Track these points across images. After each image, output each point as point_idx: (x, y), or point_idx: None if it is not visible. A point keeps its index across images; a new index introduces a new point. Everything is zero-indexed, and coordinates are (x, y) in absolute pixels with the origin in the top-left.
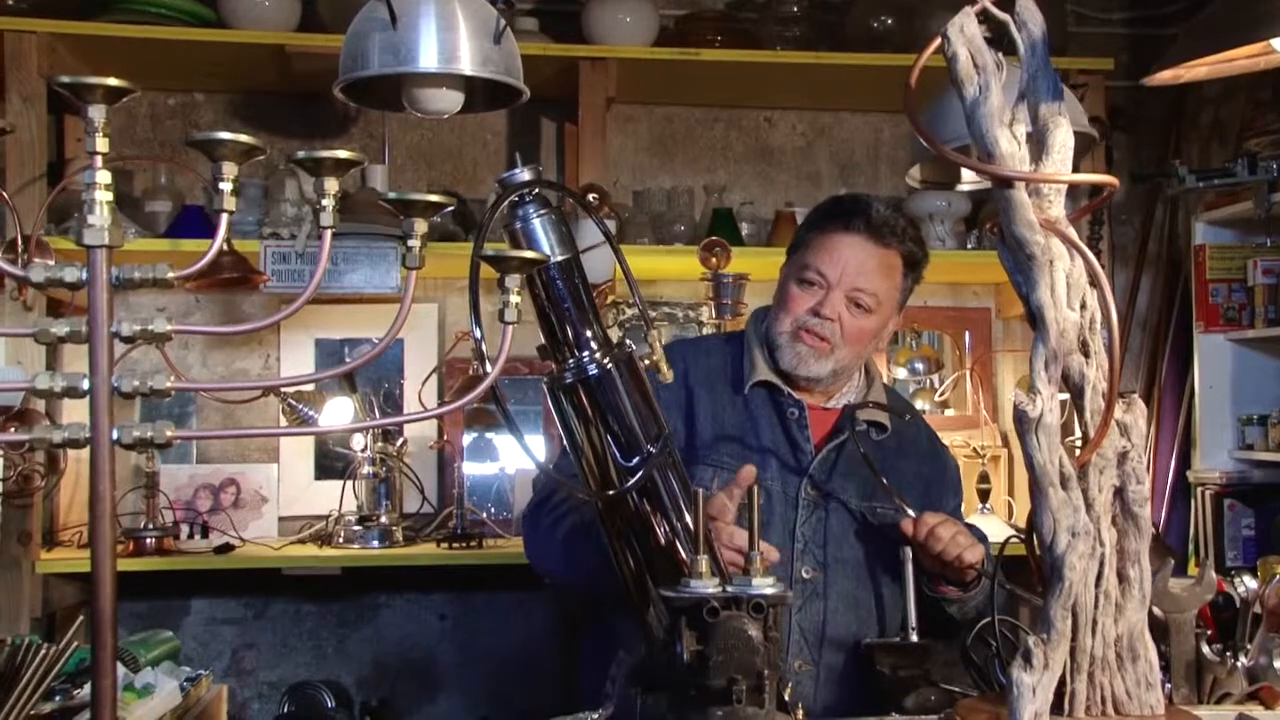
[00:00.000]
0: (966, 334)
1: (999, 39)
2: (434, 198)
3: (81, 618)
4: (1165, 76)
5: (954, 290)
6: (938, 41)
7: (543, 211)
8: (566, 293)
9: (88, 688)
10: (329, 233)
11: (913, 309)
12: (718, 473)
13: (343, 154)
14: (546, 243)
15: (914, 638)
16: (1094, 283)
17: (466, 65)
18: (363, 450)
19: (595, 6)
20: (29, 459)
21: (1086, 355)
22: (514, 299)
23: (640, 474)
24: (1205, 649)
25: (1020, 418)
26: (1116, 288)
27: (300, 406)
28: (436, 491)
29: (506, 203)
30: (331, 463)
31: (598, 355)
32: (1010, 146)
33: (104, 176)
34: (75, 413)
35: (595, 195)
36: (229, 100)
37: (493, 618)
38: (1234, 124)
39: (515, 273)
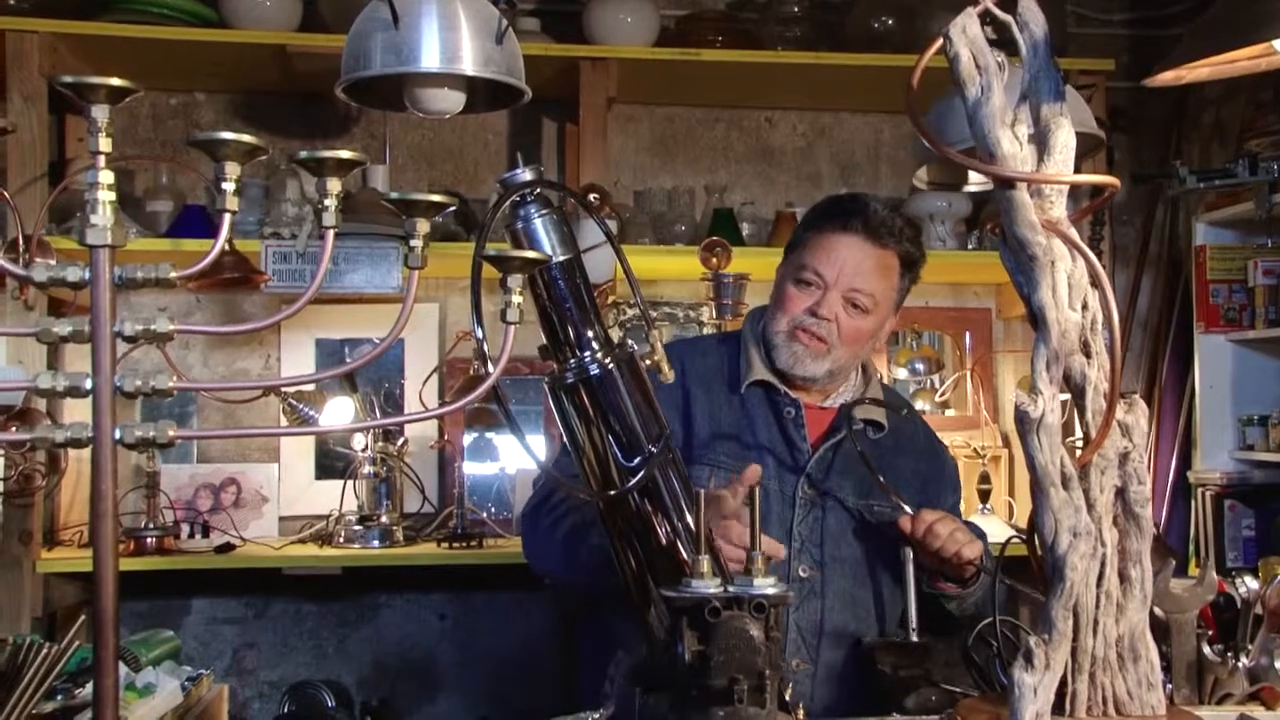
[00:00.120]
0: (967, 334)
1: (1001, 40)
2: (436, 198)
3: (83, 617)
4: (1167, 77)
5: (955, 291)
6: (940, 42)
7: (544, 211)
8: (568, 292)
9: (89, 687)
10: (331, 233)
11: (913, 309)
12: (714, 472)
13: (345, 154)
14: (548, 243)
15: (915, 637)
16: (1095, 283)
17: (468, 65)
18: (363, 450)
19: (596, 7)
20: (30, 458)
21: (1088, 356)
22: (516, 299)
23: (641, 474)
24: (1206, 649)
25: (1022, 418)
26: (1117, 288)
27: (301, 406)
28: (437, 491)
29: (508, 203)
30: (332, 462)
31: (599, 355)
32: (1012, 147)
33: (106, 176)
34: (76, 412)
35: (596, 195)
36: (230, 100)
37: (493, 618)
38: (1235, 125)
39: (517, 273)
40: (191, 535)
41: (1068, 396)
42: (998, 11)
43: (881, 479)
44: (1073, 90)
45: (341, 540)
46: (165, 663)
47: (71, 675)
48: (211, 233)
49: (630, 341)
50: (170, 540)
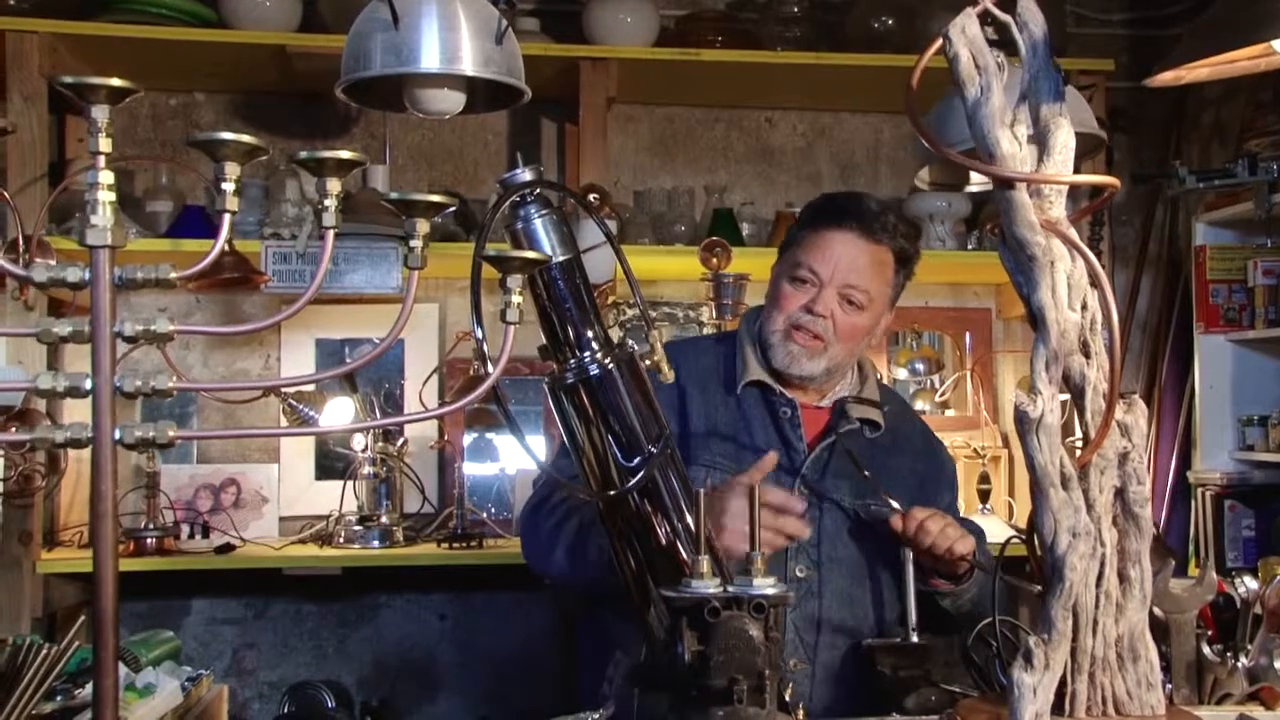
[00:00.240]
0: (967, 334)
1: (1000, 40)
2: (435, 198)
3: (83, 617)
4: (1167, 78)
5: (954, 291)
6: (939, 42)
7: (544, 212)
8: (568, 293)
9: (89, 687)
10: (331, 233)
11: (913, 309)
12: (711, 473)
13: (344, 154)
14: (548, 243)
15: (915, 638)
16: (1095, 283)
17: (468, 66)
18: (363, 450)
19: (596, 7)
20: (30, 459)
21: (1087, 356)
22: (515, 299)
23: (641, 474)
24: (1206, 649)
25: (1021, 418)
26: (1117, 288)
27: (301, 407)
28: (437, 492)
29: (508, 203)
30: (332, 463)
31: (599, 355)
32: (1011, 147)
33: (106, 176)
34: (76, 412)
35: (596, 195)
36: (230, 100)
37: (493, 618)
38: (1234, 125)
39: (517, 273)
40: (191, 536)
41: (1067, 397)
42: (997, 12)
43: (867, 474)
44: (1073, 90)
45: (341, 541)
46: (165, 663)
47: (71, 676)
48: (211, 233)
49: (630, 342)
50: (170, 541)
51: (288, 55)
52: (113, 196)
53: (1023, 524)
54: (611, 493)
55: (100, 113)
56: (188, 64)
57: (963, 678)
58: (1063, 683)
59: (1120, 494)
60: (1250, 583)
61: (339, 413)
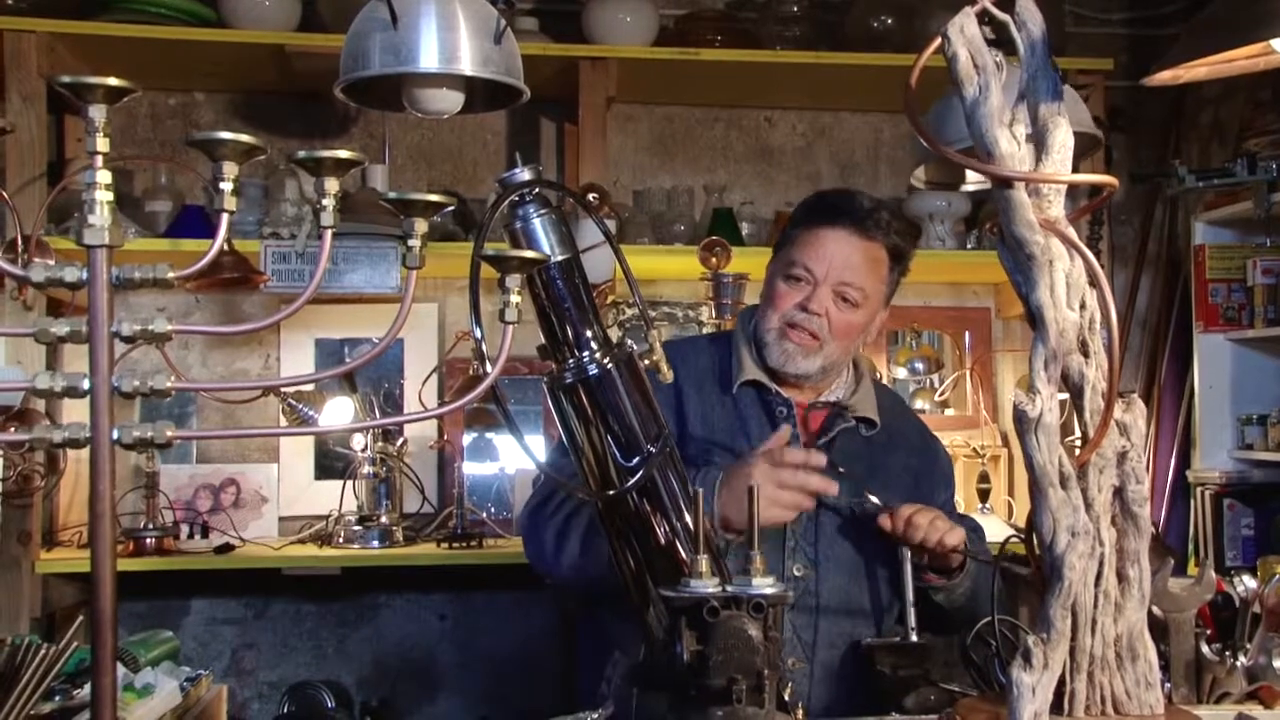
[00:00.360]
0: (966, 334)
1: (999, 39)
2: (434, 197)
3: (81, 618)
4: (1165, 77)
5: (954, 290)
6: (938, 41)
7: (543, 211)
8: (566, 292)
9: (87, 688)
10: (329, 232)
11: (913, 309)
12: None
13: (343, 154)
14: (546, 242)
15: (914, 637)
16: (1093, 283)
17: (467, 65)
18: (363, 450)
19: (595, 6)
20: (29, 459)
21: (1086, 355)
22: (514, 299)
23: (640, 474)
24: (1205, 648)
25: (1020, 417)
26: (1116, 288)
27: (300, 406)
28: (436, 491)
29: (506, 202)
30: (331, 463)
31: (598, 355)
32: (1010, 146)
33: (104, 176)
34: (75, 412)
35: (595, 195)
36: (229, 100)
37: (493, 618)
38: (1233, 124)
39: (515, 272)
40: (191, 536)
41: (1066, 396)
42: (996, 11)
43: (842, 469)
44: (1070, 90)
45: (341, 540)
46: (164, 663)
47: (70, 676)
48: (210, 233)
49: (629, 341)
50: (169, 541)
51: (287, 55)
52: (110, 196)
53: (1022, 523)
54: (611, 492)
55: (97, 112)
56: (187, 63)
57: (962, 677)
58: (1062, 682)
59: (1119, 493)
60: (1249, 582)
61: (338, 412)
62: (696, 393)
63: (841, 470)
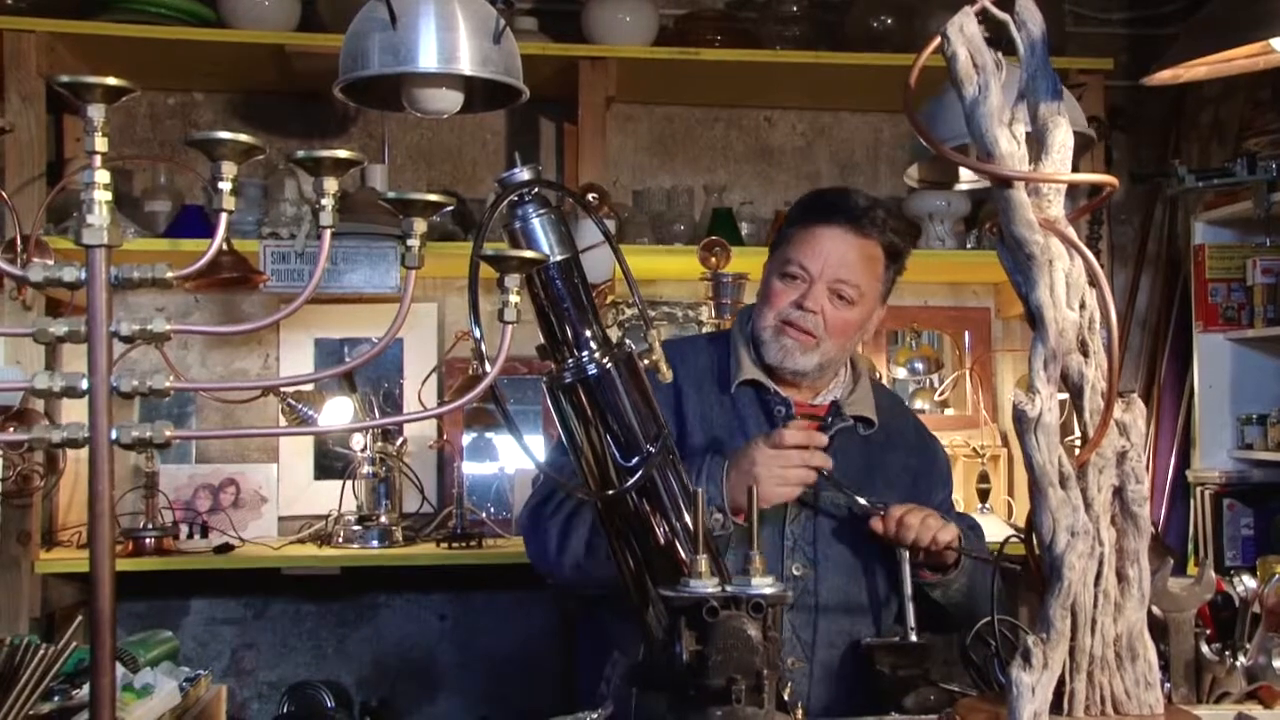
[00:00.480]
0: (966, 334)
1: (998, 39)
2: (433, 197)
3: (80, 618)
4: (1165, 76)
5: (954, 290)
6: (937, 41)
7: (542, 211)
8: (566, 292)
9: (86, 688)
10: (328, 232)
11: (912, 309)
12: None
13: (342, 154)
14: (546, 242)
15: (913, 637)
16: (1093, 282)
17: (466, 65)
18: (362, 450)
19: (595, 6)
20: (28, 459)
21: (1085, 355)
22: (513, 298)
23: (640, 474)
24: (1204, 648)
25: (1019, 417)
26: (1116, 287)
27: (300, 406)
28: (436, 491)
29: (506, 202)
30: (331, 462)
31: (597, 355)
32: (1010, 146)
33: (103, 176)
34: (74, 412)
35: (595, 195)
36: (228, 100)
37: (492, 618)
38: (1233, 124)
39: (514, 272)
40: (190, 536)
41: (1066, 396)
42: (995, 10)
43: (826, 473)
44: (1064, 89)
45: (340, 540)
46: (163, 663)
47: (69, 676)
48: (210, 233)
49: (628, 341)
50: (169, 541)
51: (286, 55)
52: (109, 196)
53: (1022, 523)
54: (610, 492)
55: (96, 112)
56: (186, 63)
57: (961, 677)
58: (1061, 682)
59: (1119, 493)
60: (1249, 581)
61: (338, 412)
62: (695, 392)
63: (827, 475)
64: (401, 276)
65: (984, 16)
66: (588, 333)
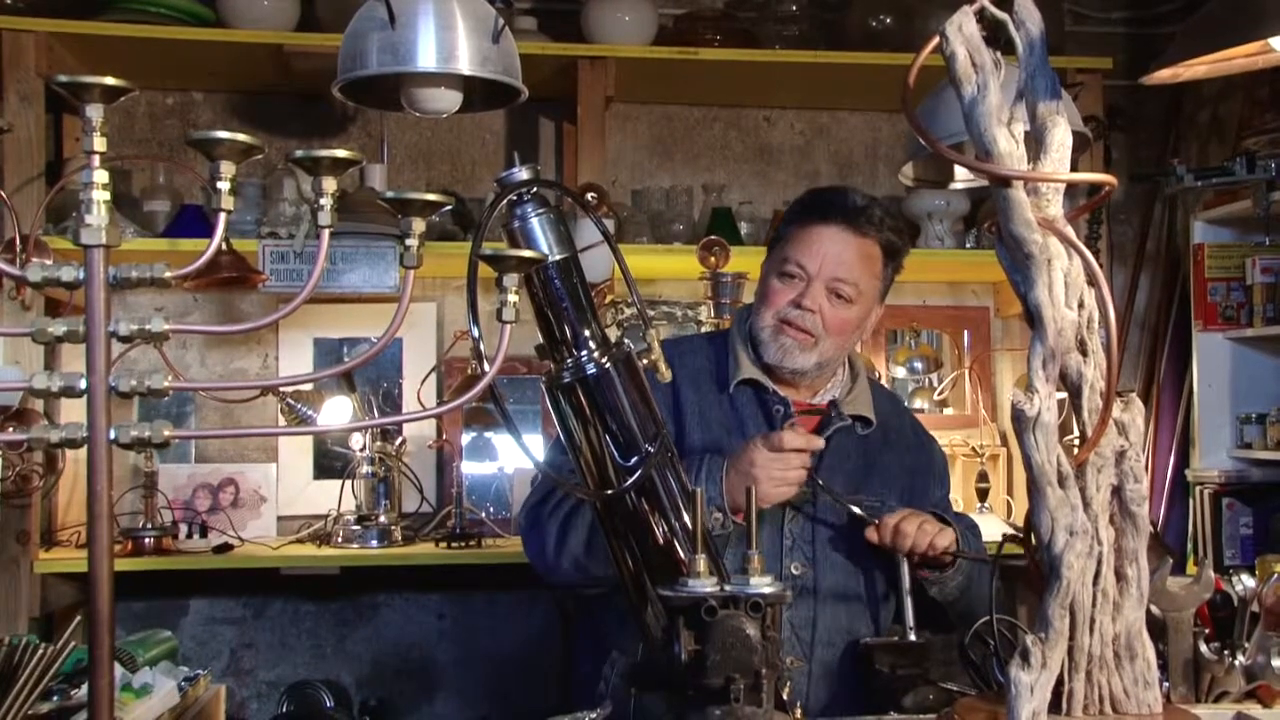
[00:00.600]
0: (965, 333)
1: (997, 38)
2: (432, 197)
3: (79, 617)
4: (1163, 75)
5: (953, 289)
6: (936, 40)
7: (541, 211)
8: (565, 292)
9: (85, 687)
10: (327, 232)
11: (912, 308)
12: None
13: (341, 153)
14: (544, 242)
15: (912, 636)
16: (1092, 282)
17: (465, 65)
18: (361, 450)
19: (594, 6)
20: (27, 459)
21: (1084, 354)
22: (512, 298)
23: (639, 473)
24: (1203, 647)
25: (1018, 416)
26: (1115, 286)
27: (299, 406)
28: (435, 491)
29: (505, 202)
30: (330, 462)
31: (596, 355)
32: (1008, 145)
33: (101, 176)
34: (73, 412)
35: (594, 194)
36: (228, 100)
37: (491, 617)
38: (1232, 123)
39: (513, 272)
40: (189, 535)
41: (1064, 395)
42: (994, 10)
43: (821, 481)
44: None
45: (340, 540)
46: (162, 663)
47: (68, 676)
48: (209, 232)
49: (627, 341)
50: (168, 540)
51: (285, 55)
52: (107, 196)
53: (1020, 522)
54: (609, 492)
55: (95, 111)
56: (185, 63)
57: (960, 676)
58: (1060, 681)
59: (1117, 492)
60: (1248, 581)
61: (337, 412)
62: (693, 392)
63: (821, 484)
64: (400, 276)
65: (982, 16)
66: (586, 332)
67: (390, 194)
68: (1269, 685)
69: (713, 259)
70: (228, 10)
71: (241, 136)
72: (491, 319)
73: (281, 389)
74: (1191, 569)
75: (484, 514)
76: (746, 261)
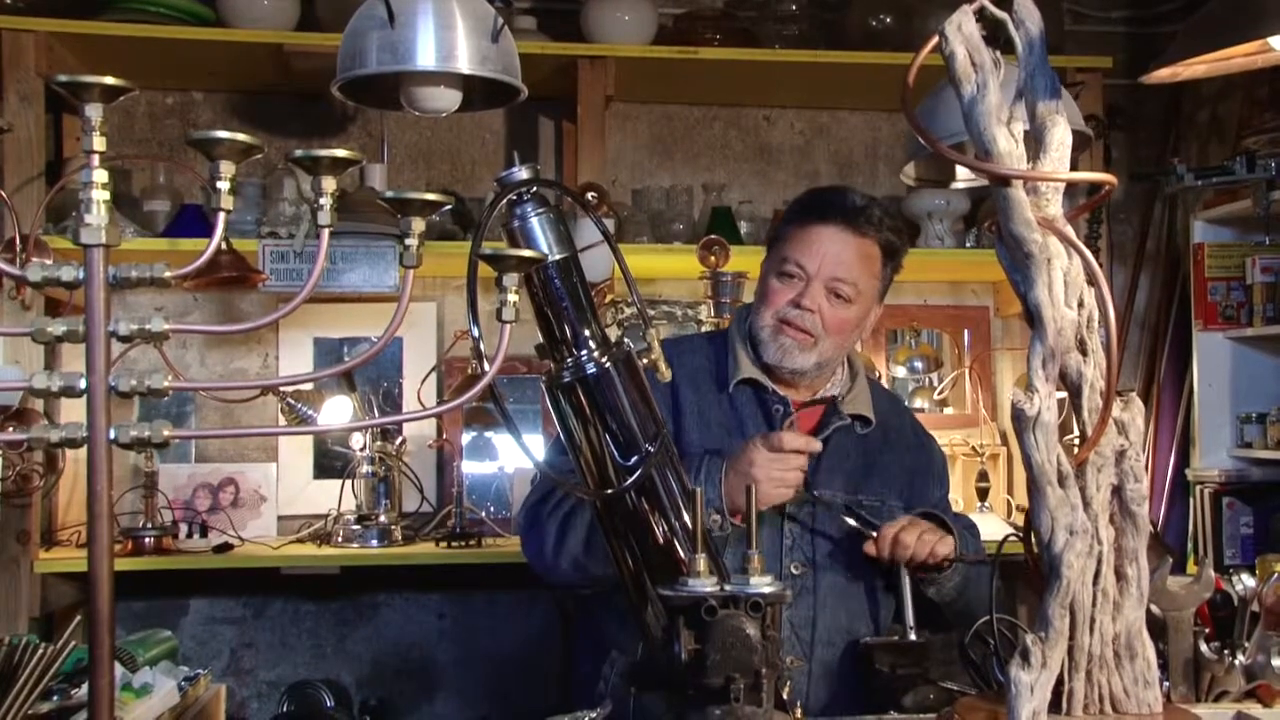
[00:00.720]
0: (965, 332)
1: (996, 37)
2: (431, 196)
3: (79, 617)
4: (1163, 74)
5: (953, 289)
6: (935, 39)
7: (541, 210)
8: (564, 291)
9: (85, 687)
10: (326, 232)
11: (912, 308)
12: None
13: (340, 153)
14: (544, 241)
15: (912, 636)
16: (1092, 281)
17: (464, 64)
18: (361, 449)
19: (594, 5)
20: (27, 458)
21: (1084, 353)
22: (512, 298)
23: (639, 473)
24: (1203, 647)
25: (1018, 416)
26: (1115, 286)
27: (299, 405)
28: (435, 491)
29: (505, 201)
30: (330, 462)
31: (596, 354)
32: (1008, 144)
33: (101, 175)
34: (73, 412)
35: (594, 194)
36: (227, 99)
37: (492, 617)
38: (1232, 122)
39: (513, 271)
40: (190, 535)
41: (1064, 394)
42: (993, 9)
43: (817, 492)
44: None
45: (340, 540)
46: (162, 663)
47: (68, 675)
48: (209, 232)
49: (627, 340)
50: (168, 540)
51: (285, 54)
52: (107, 195)
53: (1021, 522)
54: (609, 491)
55: (94, 111)
56: (185, 63)
57: (960, 676)
58: (1060, 680)
59: (1117, 491)
60: (1248, 580)
61: (337, 411)
62: (693, 391)
63: (816, 494)
64: (400, 276)
65: (982, 15)
66: (586, 332)
67: (390, 194)
68: (1269, 685)
69: (713, 258)
70: (228, 10)
71: (241, 136)
72: (491, 319)
73: (281, 389)
74: (1191, 568)
75: (484, 514)
76: (746, 261)
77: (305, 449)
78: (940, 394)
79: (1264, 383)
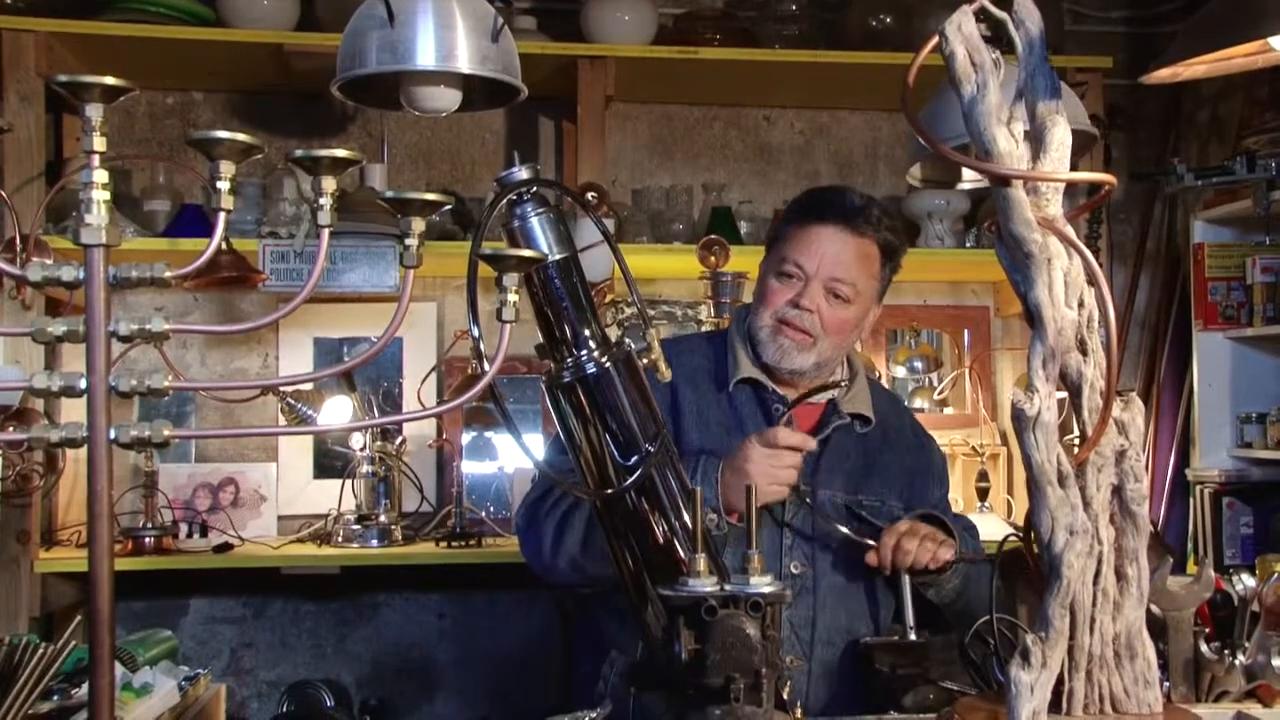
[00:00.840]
0: (965, 332)
1: (997, 37)
2: (431, 196)
3: (79, 617)
4: (1163, 74)
5: (953, 289)
6: (935, 40)
7: (541, 210)
8: (564, 291)
9: (85, 687)
10: (326, 231)
11: (912, 308)
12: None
13: (340, 153)
14: (544, 241)
15: (912, 636)
16: (1092, 281)
17: (464, 63)
18: (361, 449)
19: (594, 5)
20: (27, 458)
21: (1084, 353)
22: (512, 298)
23: (639, 473)
24: (1203, 647)
25: (1018, 416)
26: (1115, 286)
27: (299, 405)
28: (435, 490)
29: (505, 201)
30: (330, 462)
31: (596, 354)
32: (1008, 145)
33: (101, 175)
34: (74, 412)
35: (594, 194)
36: (227, 99)
37: (492, 617)
38: (1232, 122)
39: (513, 271)
40: (190, 535)
41: (1064, 394)
42: (994, 9)
43: (812, 503)
44: (1066, 86)
45: (340, 540)
46: (162, 662)
47: (68, 675)
48: (209, 232)
49: (627, 340)
50: (168, 540)
51: (285, 54)
52: (107, 195)
53: (1021, 522)
54: (609, 491)
55: (94, 111)
56: (185, 63)
57: (960, 675)
58: (1060, 680)
59: (1118, 491)
60: (1248, 580)
61: (337, 411)
62: (693, 391)
63: (810, 504)
64: (400, 275)
65: (982, 15)
66: (586, 332)
67: (390, 194)
68: (1269, 685)
69: (713, 258)
70: (228, 10)
71: (241, 136)
72: (491, 319)
73: (281, 389)
74: (1192, 568)
75: (484, 513)
76: (746, 261)
77: (305, 449)
78: (940, 394)
79: (1264, 383)
